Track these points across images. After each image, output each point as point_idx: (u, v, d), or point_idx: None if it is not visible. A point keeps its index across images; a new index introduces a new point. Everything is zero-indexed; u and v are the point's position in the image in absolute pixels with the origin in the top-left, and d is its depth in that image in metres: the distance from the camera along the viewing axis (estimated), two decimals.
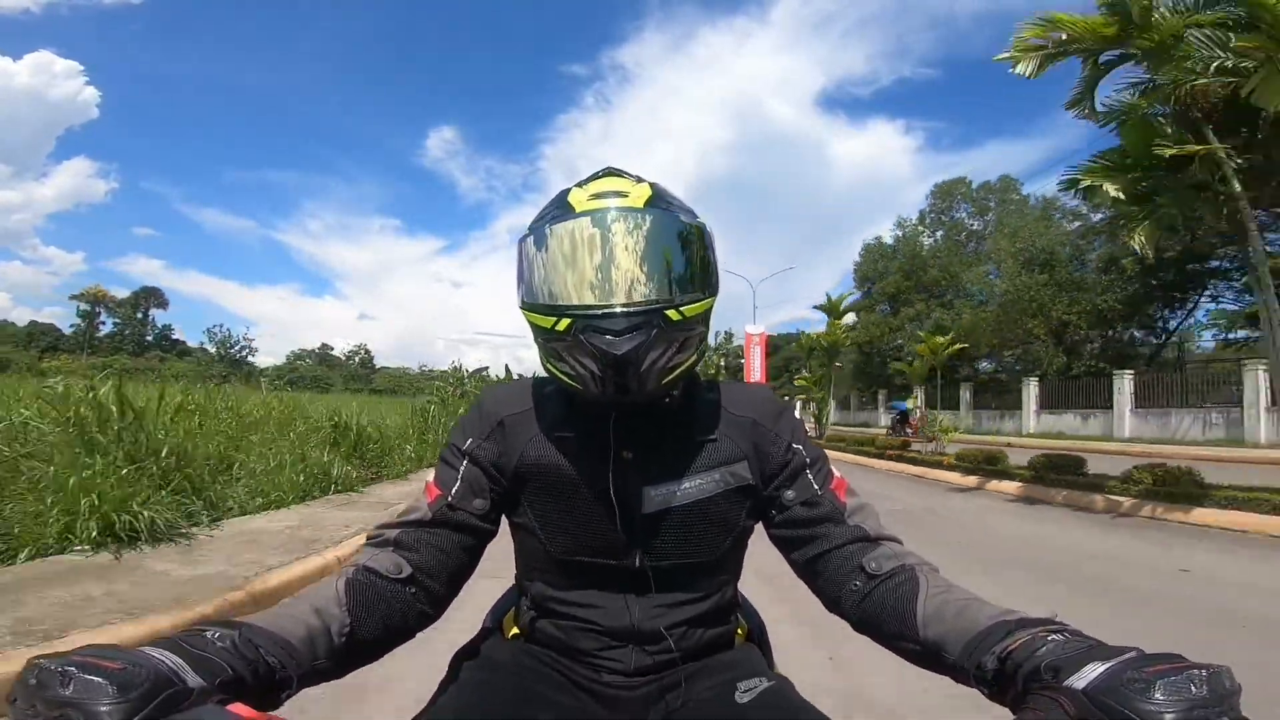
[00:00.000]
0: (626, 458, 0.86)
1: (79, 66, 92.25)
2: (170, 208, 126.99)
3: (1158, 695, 0.48)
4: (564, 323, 0.78)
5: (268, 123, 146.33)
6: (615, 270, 0.78)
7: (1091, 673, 0.52)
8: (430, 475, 0.91)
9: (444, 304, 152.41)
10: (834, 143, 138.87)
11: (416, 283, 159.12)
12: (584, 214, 0.81)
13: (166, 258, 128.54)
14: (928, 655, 0.72)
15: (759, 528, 0.94)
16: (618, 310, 0.77)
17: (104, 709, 0.46)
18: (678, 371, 0.82)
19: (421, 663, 1.15)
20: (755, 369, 25.32)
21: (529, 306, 0.82)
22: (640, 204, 0.82)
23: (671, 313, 0.78)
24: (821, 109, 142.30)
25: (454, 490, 0.86)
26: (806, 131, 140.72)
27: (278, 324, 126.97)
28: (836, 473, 0.91)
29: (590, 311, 0.77)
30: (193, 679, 0.52)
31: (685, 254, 0.83)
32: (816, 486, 0.88)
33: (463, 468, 0.88)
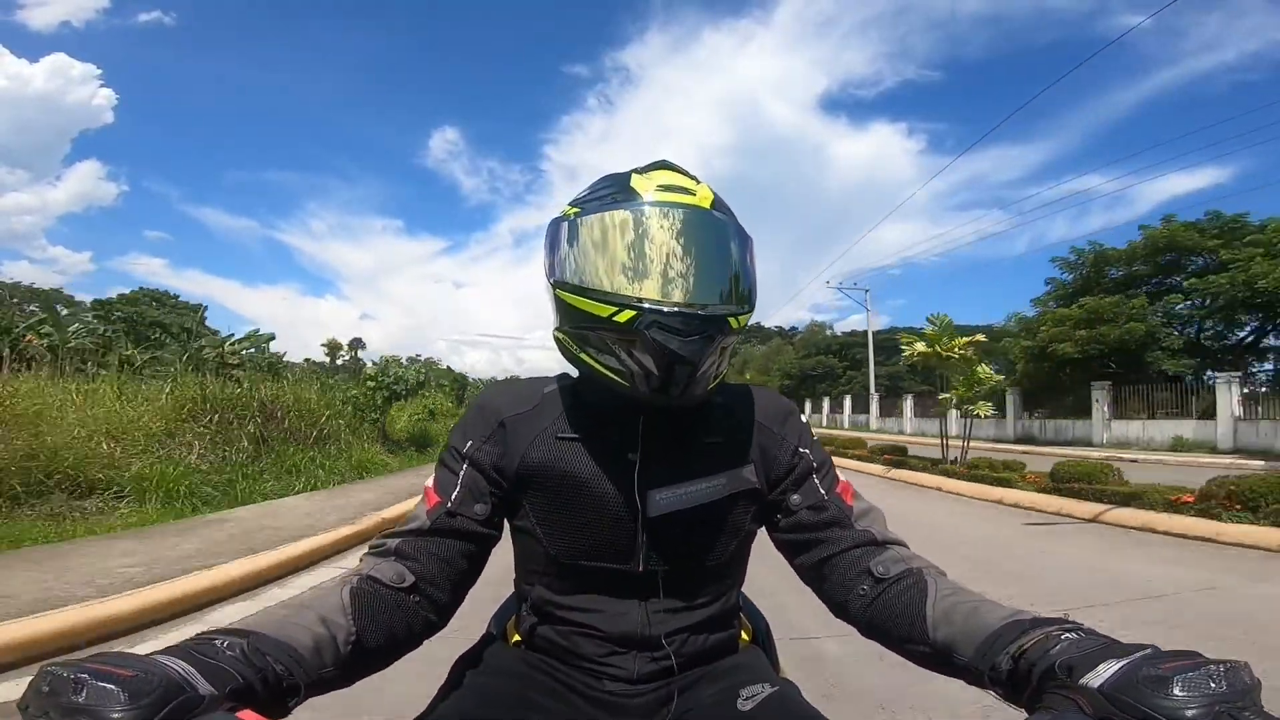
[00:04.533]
0: (631, 460, 0.84)
1: (95, 70, 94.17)
2: (174, 208, 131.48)
3: (1176, 691, 0.47)
4: (626, 314, 0.74)
5: (270, 123, 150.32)
6: (690, 270, 0.76)
7: (1107, 671, 0.51)
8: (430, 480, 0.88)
9: (445, 305, 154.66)
10: (836, 144, 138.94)
11: (418, 283, 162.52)
12: (654, 204, 0.78)
13: (169, 257, 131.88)
14: (939, 657, 0.71)
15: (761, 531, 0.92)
16: (690, 311, 0.74)
17: (115, 716, 0.46)
18: (719, 379, 0.81)
19: None
20: None
21: (576, 290, 0.78)
22: (707, 204, 0.80)
23: (733, 320, 0.77)
24: (824, 111, 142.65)
25: (454, 496, 0.84)
26: (808, 133, 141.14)
27: (278, 324, 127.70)
28: (842, 476, 0.90)
29: (661, 307, 0.74)
30: (203, 686, 0.52)
31: (747, 263, 0.82)
32: (823, 491, 0.87)
33: (462, 471, 0.86)
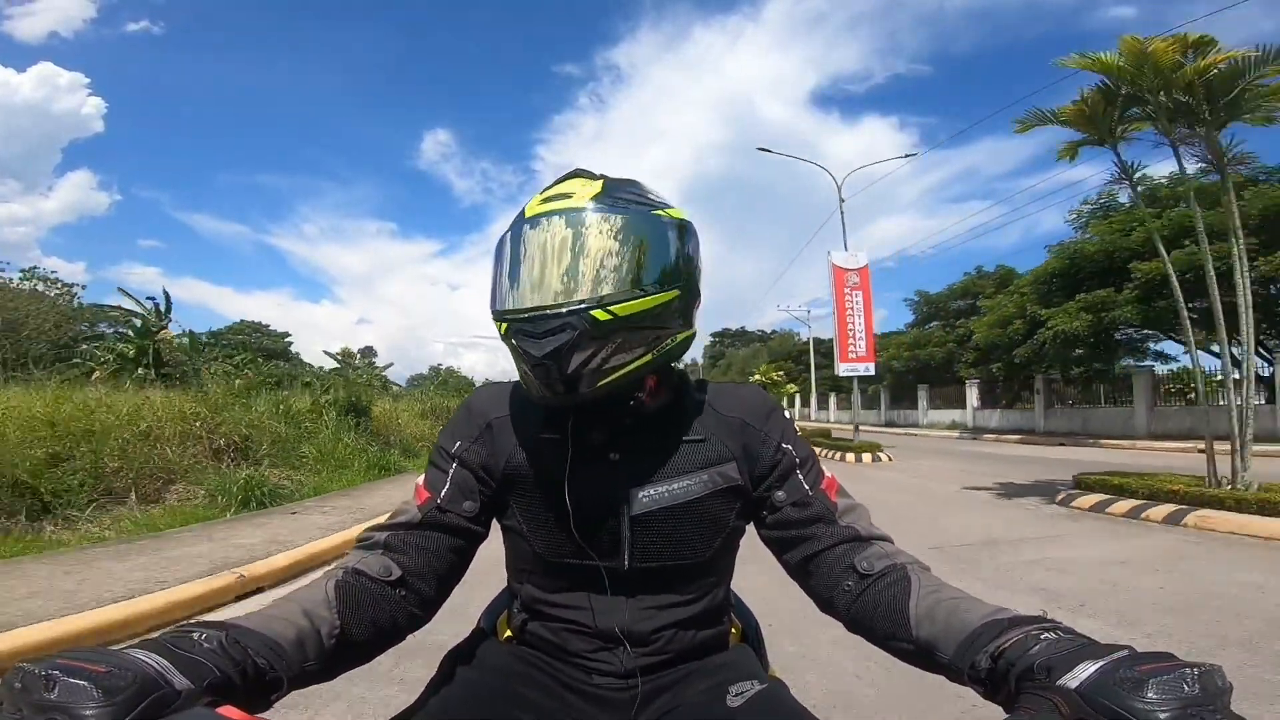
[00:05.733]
0: (614, 459, 0.87)
1: (83, 79, 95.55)
2: (167, 216, 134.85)
3: (1150, 694, 0.48)
4: (503, 326, 0.80)
5: (261, 127, 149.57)
6: (539, 273, 0.80)
7: (1084, 672, 0.52)
8: (420, 478, 0.91)
9: (442, 307, 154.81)
10: (827, 140, 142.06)
11: (414, 285, 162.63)
12: (526, 221, 0.83)
13: (163, 265, 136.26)
14: (921, 655, 0.72)
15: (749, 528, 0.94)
16: (537, 313, 0.78)
17: (89, 713, 0.45)
18: (620, 373, 0.80)
19: None
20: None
21: (492, 313, 0.85)
22: (582, 203, 0.81)
23: (598, 313, 0.77)
24: (815, 107, 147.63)
25: (443, 493, 0.87)
26: (800, 129, 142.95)
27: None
28: (828, 472, 0.91)
29: (517, 315, 0.79)
30: (179, 681, 0.51)
31: (622, 251, 0.80)
32: (807, 487, 0.88)
33: (452, 470, 0.89)
